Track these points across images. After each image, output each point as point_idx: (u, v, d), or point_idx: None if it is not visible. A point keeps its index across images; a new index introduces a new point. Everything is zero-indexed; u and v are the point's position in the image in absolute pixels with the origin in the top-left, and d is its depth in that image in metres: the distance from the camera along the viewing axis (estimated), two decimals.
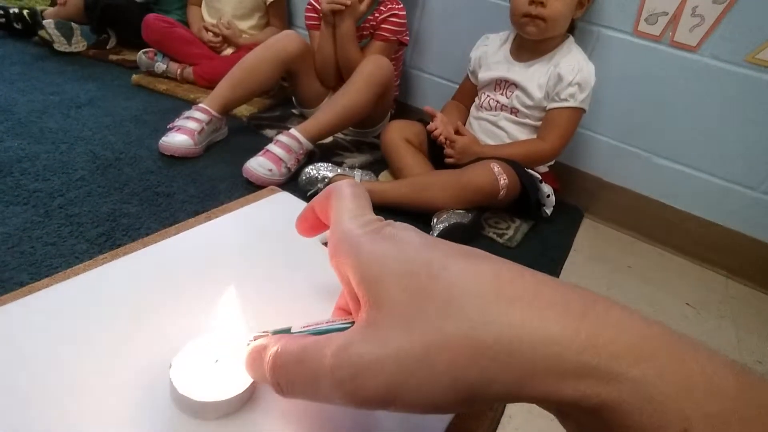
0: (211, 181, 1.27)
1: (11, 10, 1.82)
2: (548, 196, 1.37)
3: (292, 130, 1.32)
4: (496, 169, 1.21)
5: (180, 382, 0.31)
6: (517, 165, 1.29)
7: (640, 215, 1.51)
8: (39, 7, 1.97)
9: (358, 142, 1.64)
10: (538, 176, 1.35)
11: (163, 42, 1.73)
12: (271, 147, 1.28)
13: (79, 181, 1.16)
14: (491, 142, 1.40)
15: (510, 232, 1.34)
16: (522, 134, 1.37)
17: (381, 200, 1.27)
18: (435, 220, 1.17)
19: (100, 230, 1.02)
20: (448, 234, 1.15)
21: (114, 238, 1.02)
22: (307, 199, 1.27)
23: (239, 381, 0.33)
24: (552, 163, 1.43)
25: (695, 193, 1.43)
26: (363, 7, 1.48)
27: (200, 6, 1.85)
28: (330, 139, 1.62)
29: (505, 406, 0.41)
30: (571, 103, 1.27)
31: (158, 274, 0.43)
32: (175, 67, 1.74)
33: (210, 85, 1.73)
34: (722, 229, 1.42)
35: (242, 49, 1.74)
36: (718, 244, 1.42)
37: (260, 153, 1.27)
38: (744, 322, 1.27)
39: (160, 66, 1.72)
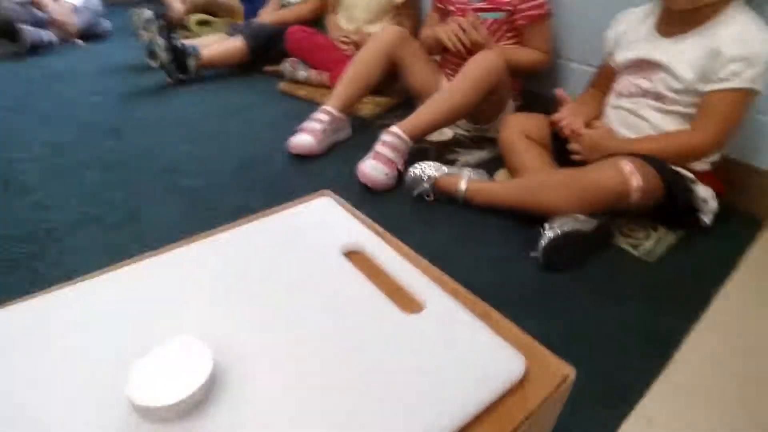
0: (329, 180, 1.35)
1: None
2: (705, 201, 1.11)
3: (394, 128, 1.31)
4: (627, 168, 1.02)
5: (136, 390, 0.33)
6: (660, 162, 1.07)
7: None
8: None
9: (478, 138, 1.56)
10: (691, 176, 1.10)
11: (302, 50, 1.89)
12: (380, 148, 1.29)
13: (221, 179, 1.35)
14: (631, 135, 1.19)
15: (648, 244, 1.12)
16: (669, 125, 1.13)
17: (488, 201, 1.19)
18: (546, 226, 1.05)
19: (228, 222, 1.17)
20: (561, 243, 1.01)
21: None
22: (414, 198, 1.26)
23: (190, 384, 0.34)
24: (715, 159, 1.15)
25: None
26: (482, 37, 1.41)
27: (337, 14, 1.97)
28: (450, 135, 1.58)
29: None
30: (733, 84, 1.00)
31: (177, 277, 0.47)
32: (315, 74, 1.89)
33: None
34: None
35: None
36: None
37: (371, 155, 1.29)
38: None
39: (302, 73, 1.89)
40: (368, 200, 1.26)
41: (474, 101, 1.33)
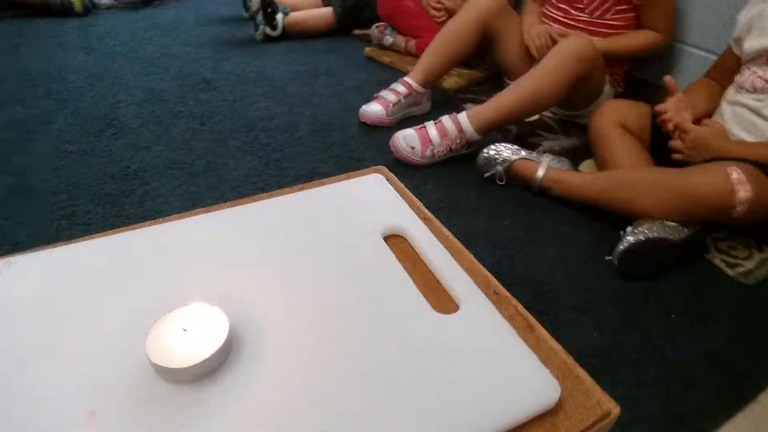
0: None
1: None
2: None
3: (461, 114, 1.22)
4: (734, 175, 0.88)
5: (153, 351, 0.34)
6: None
7: None
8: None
9: (567, 123, 1.44)
10: None
11: (392, 16, 1.84)
12: (429, 125, 1.22)
13: (297, 140, 1.37)
14: (747, 138, 1.02)
15: (749, 265, 0.98)
16: None
17: (568, 194, 1.10)
18: (628, 229, 0.94)
19: (299, 183, 1.19)
20: (642, 250, 0.91)
21: None
22: (484, 180, 1.20)
23: (208, 347, 0.35)
24: None
25: None
26: None
27: None
28: (536, 116, 1.46)
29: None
30: None
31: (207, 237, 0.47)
32: (401, 40, 1.83)
33: None
34: None
35: None
36: None
37: (416, 126, 1.23)
38: None
39: (388, 39, 1.85)
40: (433, 179, 1.21)
41: (560, 86, 1.20)
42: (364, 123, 1.42)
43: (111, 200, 1.10)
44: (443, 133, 1.21)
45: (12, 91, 1.55)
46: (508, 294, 0.44)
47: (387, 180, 0.58)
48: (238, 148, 1.32)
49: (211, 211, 0.51)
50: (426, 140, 1.21)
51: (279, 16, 1.94)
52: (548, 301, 0.90)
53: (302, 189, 0.55)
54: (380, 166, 0.62)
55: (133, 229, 0.47)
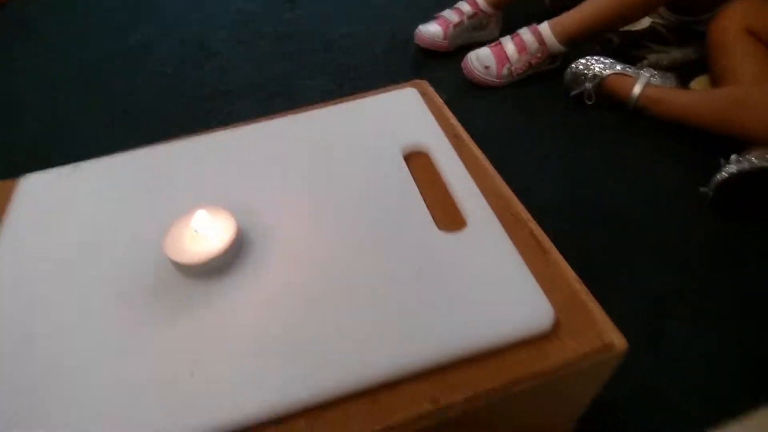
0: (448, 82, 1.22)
1: None
2: None
3: (543, 25, 1.07)
4: None
5: (170, 248, 0.38)
6: None
7: None
8: None
9: (683, 31, 1.20)
10: None
11: None
12: (505, 40, 1.09)
13: (373, 58, 1.34)
14: None
15: None
16: None
17: (668, 113, 0.95)
18: (733, 157, 0.80)
19: None
20: (744, 182, 0.78)
21: None
22: (570, 99, 1.07)
23: (215, 246, 0.38)
24: None
25: None
26: None
27: None
28: (645, 23, 1.25)
29: None
30: None
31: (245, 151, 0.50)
32: None
33: None
34: None
35: None
36: None
37: (491, 43, 1.11)
38: None
39: None
40: (510, 99, 1.12)
41: None
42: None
43: (200, 120, 1.20)
44: (522, 47, 1.08)
45: (126, 19, 1.70)
46: (527, 217, 0.42)
47: (424, 94, 0.55)
48: (315, 69, 1.33)
49: (246, 125, 0.53)
50: (502, 57, 1.10)
51: None
52: (623, 236, 0.82)
53: (336, 103, 0.55)
54: (421, 81, 0.59)
55: (178, 140, 0.52)
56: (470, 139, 0.50)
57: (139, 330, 0.35)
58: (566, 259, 0.38)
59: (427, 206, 0.41)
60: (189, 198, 0.44)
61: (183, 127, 1.15)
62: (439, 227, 0.40)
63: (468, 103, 1.13)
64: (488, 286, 0.35)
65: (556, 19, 1.08)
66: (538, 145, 1.00)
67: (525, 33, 1.09)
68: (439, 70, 1.26)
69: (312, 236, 0.40)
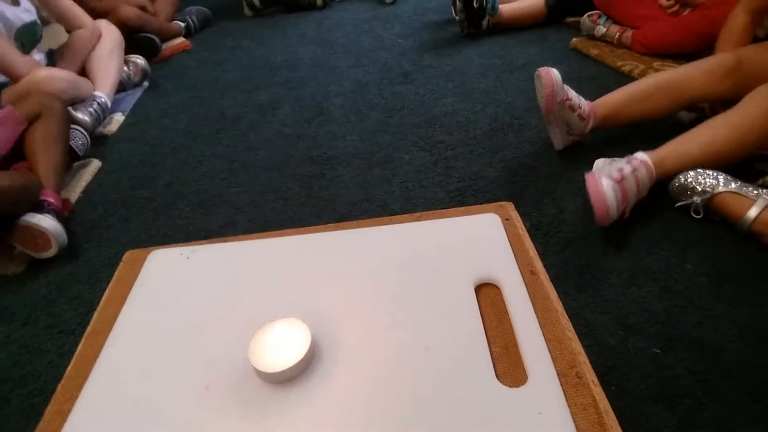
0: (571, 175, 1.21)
1: None
2: None
3: (649, 157, 1.00)
4: None
5: (254, 356, 0.44)
6: None
7: None
8: None
9: None
10: None
11: (610, 3, 1.63)
12: (627, 173, 0.97)
13: (471, 139, 1.39)
14: None
15: None
16: None
17: None
18: None
19: (461, 185, 1.22)
20: None
21: (465, 195, 1.19)
22: (675, 211, 1.00)
23: (296, 354, 0.43)
24: None
25: None
26: None
27: None
28: None
29: None
30: None
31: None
32: (615, 30, 1.62)
33: (646, 52, 1.54)
34: None
35: (700, 11, 1.41)
36: None
37: (615, 175, 0.96)
38: None
39: (600, 29, 1.66)
40: None
41: None
42: (542, 124, 1.32)
43: (306, 181, 1.32)
44: (637, 183, 0.98)
45: (260, 78, 1.94)
46: (592, 379, 0.41)
47: (507, 220, 0.57)
48: (415, 143, 1.40)
49: (330, 231, 0.59)
50: (626, 197, 0.97)
51: (484, 22, 1.92)
52: (715, 372, 0.75)
53: (419, 219, 0.59)
54: (506, 203, 0.60)
55: (274, 237, 0.59)
56: (546, 276, 0.50)
57: (218, 423, 0.40)
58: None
59: (490, 350, 0.43)
60: (278, 295, 0.50)
61: (290, 186, 1.29)
62: (499, 378, 0.41)
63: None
64: None
65: (658, 153, 1.02)
66: (634, 256, 0.96)
67: (641, 168, 0.99)
68: (534, 157, 1.27)
69: (377, 355, 0.43)
